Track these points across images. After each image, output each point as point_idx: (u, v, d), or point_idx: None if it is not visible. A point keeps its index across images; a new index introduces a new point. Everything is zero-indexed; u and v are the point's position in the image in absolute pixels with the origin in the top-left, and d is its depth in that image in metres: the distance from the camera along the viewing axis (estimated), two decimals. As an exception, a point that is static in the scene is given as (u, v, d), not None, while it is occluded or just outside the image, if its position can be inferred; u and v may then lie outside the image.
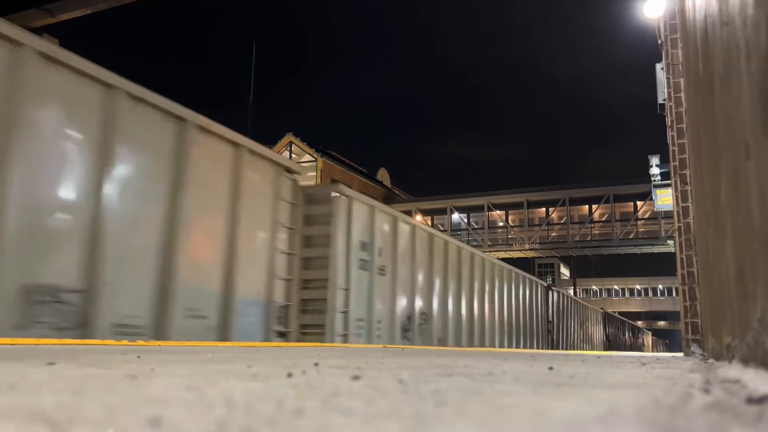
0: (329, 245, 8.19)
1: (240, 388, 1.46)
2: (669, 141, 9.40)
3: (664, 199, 13.57)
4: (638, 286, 59.56)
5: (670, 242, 24.32)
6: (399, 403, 1.24)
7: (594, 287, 59.53)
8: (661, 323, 63.05)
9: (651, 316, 62.10)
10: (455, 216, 33.86)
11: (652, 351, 43.47)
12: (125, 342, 4.78)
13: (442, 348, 10.20)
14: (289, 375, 1.88)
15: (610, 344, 31.10)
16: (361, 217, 8.85)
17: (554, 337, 19.76)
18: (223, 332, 6.47)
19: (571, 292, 33.05)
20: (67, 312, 4.97)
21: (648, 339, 48.79)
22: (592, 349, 25.38)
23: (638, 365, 3.68)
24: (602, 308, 32.37)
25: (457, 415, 1.11)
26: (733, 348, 2.60)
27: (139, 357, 2.77)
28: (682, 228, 8.63)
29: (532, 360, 4.16)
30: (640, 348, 40.63)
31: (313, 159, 29.89)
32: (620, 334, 34.94)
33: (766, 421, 1.06)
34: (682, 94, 8.25)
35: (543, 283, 19.36)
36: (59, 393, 1.24)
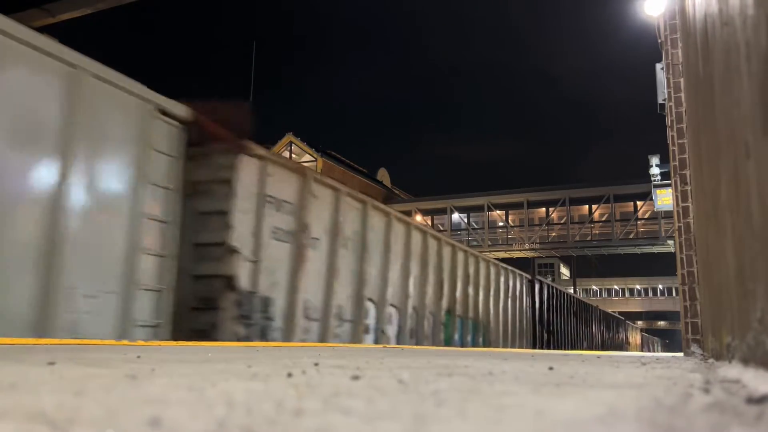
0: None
1: (240, 388, 1.46)
2: (669, 141, 9.40)
3: (664, 199, 13.60)
4: (638, 286, 59.59)
5: (670, 242, 24.31)
6: (399, 403, 1.24)
7: (594, 287, 59.56)
8: (661, 323, 63.05)
9: (651, 316, 62.12)
10: (455, 216, 33.86)
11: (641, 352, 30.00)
12: (125, 342, 4.78)
13: (442, 348, 10.20)
14: (289, 375, 1.88)
15: (551, 340, 17.71)
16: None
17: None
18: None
19: (572, 292, 31.41)
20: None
21: (635, 337, 38.80)
22: (489, 346, 13.24)
23: (638, 365, 3.68)
24: (532, 276, 17.39)
25: (457, 415, 1.11)
26: (733, 348, 2.61)
27: (139, 357, 2.77)
28: (682, 228, 8.63)
29: (533, 360, 4.17)
30: (619, 348, 29.72)
31: (313, 159, 29.90)
32: (579, 324, 22.09)
33: (766, 421, 1.06)
34: (682, 94, 8.26)
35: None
36: (59, 393, 1.24)
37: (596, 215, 30.97)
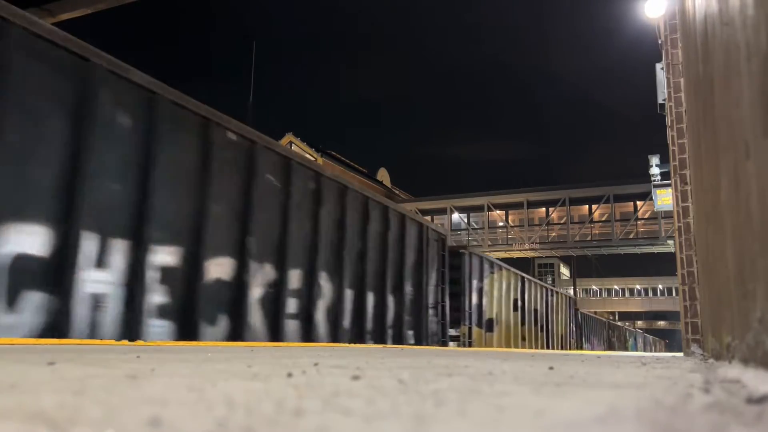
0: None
1: (240, 387, 1.46)
2: (669, 141, 9.40)
3: (664, 199, 13.58)
4: (638, 286, 59.60)
5: (670, 242, 24.30)
6: (399, 403, 1.24)
7: (594, 287, 59.59)
8: (661, 323, 63.09)
9: (651, 316, 62.18)
10: (455, 216, 33.86)
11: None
12: (125, 342, 4.78)
13: (442, 348, 10.20)
14: (289, 375, 1.88)
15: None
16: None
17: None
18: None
19: (571, 292, 31.14)
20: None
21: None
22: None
23: (638, 365, 3.68)
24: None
25: (457, 415, 1.11)
26: (733, 348, 2.61)
27: (139, 357, 2.77)
28: (682, 228, 8.63)
29: (533, 360, 4.17)
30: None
31: (313, 159, 29.90)
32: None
33: (766, 421, 1.06)
34: (682, 94, 8.26)
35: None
36: (59, 393, 1.24)
37: (596, 215, 30.97)
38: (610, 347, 30.59)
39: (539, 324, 18.26)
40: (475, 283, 13.43)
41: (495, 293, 14.65)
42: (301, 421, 0.98)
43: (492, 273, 14.57)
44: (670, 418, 1.11)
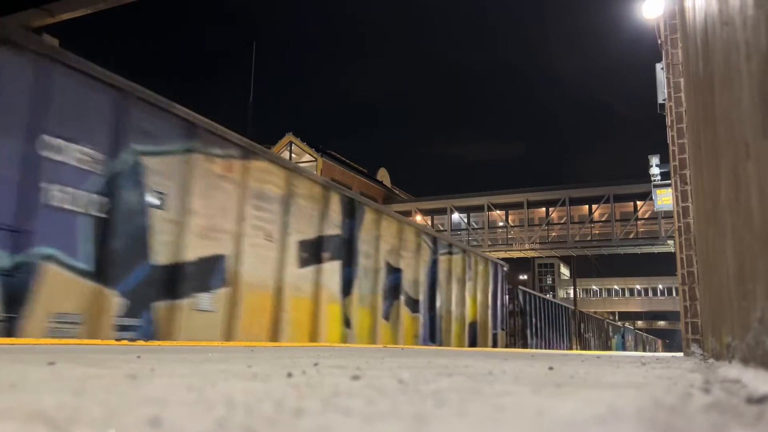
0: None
1: (240, 388, 1.46)
2: (669, 141, 9.41)
3: (664, 199, 13.58)
4: (638, 286, 59.61)
5: (670, 242, 24.29)
6: (399, 403, 1.24)
7: (594, 287, 59.61)
8: (661, 323, 63.11)
9: (651, 316, 62.20)
10: (455, 216, 33.85)
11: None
12: (125, 342, 4.78)
13: (442, 348, 10.20)
14: (289, 375, 1.88)
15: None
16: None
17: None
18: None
19: (572, 292, 30.44)
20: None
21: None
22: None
23: (638, 365, 3.68)
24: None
25: (457, 414, 1.11)
26: (733, 348, 2.60)
27: (139, 357, 2.77)
28: (682, 228, 8.64)
29: (532, 360, 4.17)
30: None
31: (313, 159, 29.91)
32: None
33: (766, 421, 1.06)
34: (682, 94, 8.26)
35: None
36: (59, 393, 1.24)
37: (596, 215, 30.96)
38: (583, 347, 21.75)
39: (402, 298, 9.94)
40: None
41: (218, 210, 6.29)
42: (301, 421, 0.98)
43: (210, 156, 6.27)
44: (670, 418, 1.11)
